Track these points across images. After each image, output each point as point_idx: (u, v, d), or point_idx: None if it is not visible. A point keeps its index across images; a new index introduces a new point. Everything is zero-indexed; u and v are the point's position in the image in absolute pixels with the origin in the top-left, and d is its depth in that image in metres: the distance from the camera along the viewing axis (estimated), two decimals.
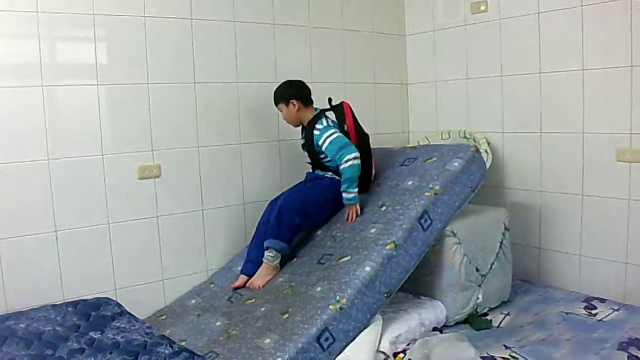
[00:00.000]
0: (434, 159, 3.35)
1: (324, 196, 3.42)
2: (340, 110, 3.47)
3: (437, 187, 3.13)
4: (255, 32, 3.77)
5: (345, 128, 3.42)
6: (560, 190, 3.69)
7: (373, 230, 3.05)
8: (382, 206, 3.20)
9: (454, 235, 3.18)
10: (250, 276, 3.34)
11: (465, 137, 4.09)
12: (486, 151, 3.80)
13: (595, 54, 3.43)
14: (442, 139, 4.21)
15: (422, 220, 3.03)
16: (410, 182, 3.26)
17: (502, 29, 3.88)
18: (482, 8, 3.98)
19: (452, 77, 4.26)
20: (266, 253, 3.28)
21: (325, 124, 3.38)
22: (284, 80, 3.52)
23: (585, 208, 3.59)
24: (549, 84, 3.67)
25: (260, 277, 3.27)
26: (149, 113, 3.38)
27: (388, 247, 2.90)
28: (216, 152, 3.65)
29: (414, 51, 4.54)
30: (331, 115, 3.47)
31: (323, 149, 3.34)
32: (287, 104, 3.43)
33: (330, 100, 3.50)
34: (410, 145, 4.33)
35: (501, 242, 3.42)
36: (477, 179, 3.30)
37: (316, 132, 3.37)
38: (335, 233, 3.27)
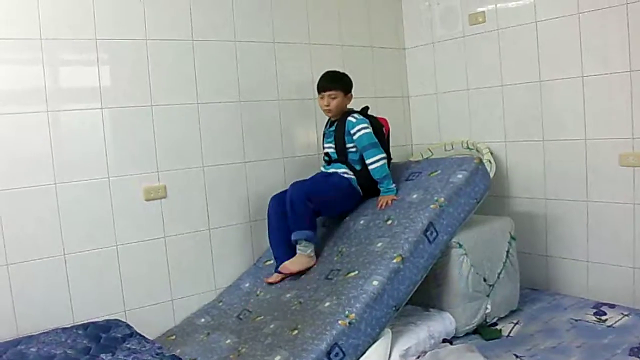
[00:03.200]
0: (438, 172, 3.36)
1: (332, 185, 3.46)
2: (376, 120, 3.56)
3: (442, 199, 3.14)
4: (256, 51, 3.80)
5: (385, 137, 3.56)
6: (565, 197, 3.70)
7: (379, 244, 3.06)
8: (387, 220, 3.21)
9: (460, 246, 3.18)
10: (283, 274, 3.36)
11: (468, 147, 4.10)
12: (489, 161, 3.81)
13: (594, 60, 3.45)
14: (445, 150, 4.23)
15: (428, 233, 3.03)
16: (415, 196, 3.27)
17: (501, 39, 3.91)
18: (480, 19, 4.01)
19: (452, 89, 4.29)
20: (298, 246, 3.31)
21: (360, 117, 3.47)
22: (332, 70, 3.57)
23: (590, 214, 3.59)
24: (550, 91, 3.69)
25: (295, 264, 3.29)
26: (153, 134, 3.41)
27: (395, 260, 2.90)
28: (221, 171, 3.66)
29: (414, 64, 4.57)
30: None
31: (354, 137, 3.41)
32: (346, 93, 3.50)
33: (367, 108, 3.59)
34: (413, 158, 4.35)
35: (508, 251, 3.42)
36: (482, 190, 3.31)
37: (352, 120, 3.44)
38: (342, 248, 3.28)
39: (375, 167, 3.38)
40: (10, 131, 2.99)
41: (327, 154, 3.60)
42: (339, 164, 3.52)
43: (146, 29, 3.37)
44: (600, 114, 3.47)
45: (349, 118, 3.46)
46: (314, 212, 3.36)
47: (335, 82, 3.49)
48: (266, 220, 3.53)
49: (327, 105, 3.48)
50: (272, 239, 3.50)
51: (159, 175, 3.44)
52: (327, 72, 3.56)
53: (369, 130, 3.42)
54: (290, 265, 3.30)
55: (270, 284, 3.41)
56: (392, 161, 3.58)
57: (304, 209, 3.31)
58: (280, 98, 3.85)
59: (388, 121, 3.70)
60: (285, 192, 3.44)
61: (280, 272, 3.36)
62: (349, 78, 3.55)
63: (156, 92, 3.42)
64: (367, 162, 3.39)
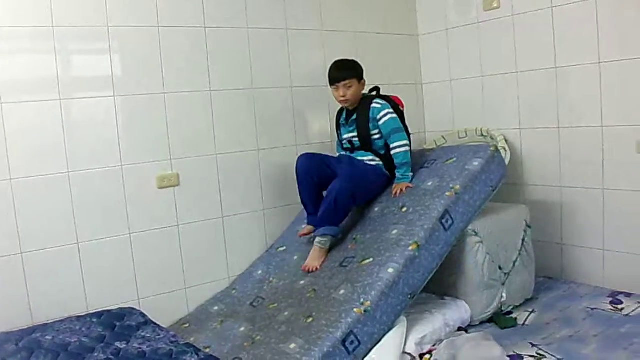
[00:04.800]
0: (454, 159, 3.33)
1: (370, 181, 3.44)
2: (389, 99, 3.52)
3: (458, 186, 3.11)
4: (269, 38, 3.78)
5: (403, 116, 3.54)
6: (581, 185, 3.66)
7: (395, 232, 3.04)
8: (402, 207, 3.18)
9: (476, 234, 3.16)
10: (315, 225, 3.37)
11: (482, 135, 4.07)
12: (504, 148, 3.78)
13: (611, 46, 3.39)
14: (459, 137, 4.19)
15: (444, 220, 3.01)
16: (430, 183, 3.24)
17: (516, 25, 3.86)
18: (495, 5, 3.96)
19: (467, 76, 4.25)
20: (320, 239, 3.29)
21: (384, 102, 3.44)
22: (341, 59, 3.48)
23: (606, 202, 3.55)
24: (565, 78, 3.64)
25: (316, 259, 3.27)
26: (166, 122, 3.40)
27: (410, 248, 2.88)
28: (234, 159, 3.66)
29: (428, 51, 4.53)
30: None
31: (380, 122, 3.39)
32: (360, 81, 3.44)
33: (378, 89, 3.56)
34: (427, 145, 4.32)
35: (523, 240, 3.39)
36: (498, 178, 3.28)
37: (376, 106, 3.41)
38: (357, 235, 3.26)
39: (400, 152, 3.36)
40: (23, 120, 2.99)
41: (349, 142, 3.55)
42: (363, 152, 3.50)
43: (158, 16, 3.35)
44: (617, 101, 3.42)
45: (373, 105, 3.42)
46: (350, 209, 3.37)
47: (348, 71, 3.41)
48: (295, 178, 3.50)
49: (344, 96, 3.41)
50: (303, 196, 3.50)
51: (172, 163, 3.43)
52: (338, 62, 3.48)
53: (395, 114, 3.40)
54: (313, 262, 3.27)
55: (304, 235, 3.48)
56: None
57: (346, 207, 3.31)
58: (293, 85, 3.82)
59: (400, 99, 3.65)
60: (315, 156, 3.49)
61: (312, 233, 3.42)
62: (360, 64, 3.49)
63: (168, 79, 3.40)
64: (392, 146, 3.37)
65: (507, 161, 3.64)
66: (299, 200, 3.53)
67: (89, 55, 3.23)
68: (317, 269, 3.24)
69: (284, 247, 3.60)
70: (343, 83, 3.39)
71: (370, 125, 3.42)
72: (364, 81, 3.47)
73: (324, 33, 4.01)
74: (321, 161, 3.48)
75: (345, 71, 3.41)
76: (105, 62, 3.22)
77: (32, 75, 3.03)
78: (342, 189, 3.25)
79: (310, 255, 3.31)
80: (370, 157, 3.48)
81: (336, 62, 3.48)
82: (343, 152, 3.63)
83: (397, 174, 3.40)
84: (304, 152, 3.55)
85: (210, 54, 3.54)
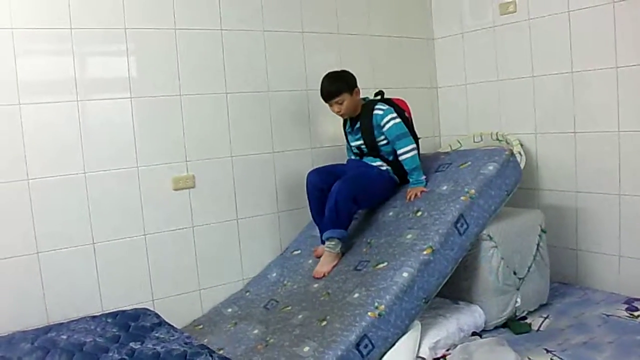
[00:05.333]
0: (468, 163, 3.33)
1: (374, 184, 3.43)
2: (393, 103, 3.51)
3: (473, 191, 3.11)
4: (284, 41, 3.79)
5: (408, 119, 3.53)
6: (596, 190, 3.64)
7: (409, 236, 3.04)
8: (417, 211, 3.18)
9: (491, 239, 3.15)
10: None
11: (497, 139, 4.05)
12: (519, 153, 3.76)
13: (629, 50, 3.37)
14: (474, 142, 4.18)
15: (459, 225, 3.00)
16: (445, 187, 3.24)
17: (532, 29, 3.85)
18: (511, 9, 3.95)
19: (482, 80, 4.24)
20: (327, 243, 3.28)
21: (386, 107, 3.42)
22: (328, 74, 3.45)
23: (622, 207, 3.52)
24: (582, 83, 3.62)
25: (325, 265, 3.27)
26: (182, 124, 3.42)
27: (425, 252, 2.88)
28: (249, 162, 3.67)
29: (443, 54, 4.53)
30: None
31: (384, 129, 3.38)
32: (351, 93, 3.41)
33: (382, 93, 3.55)
34: (442, 149, 4.32)
35: (538, 245, 3.38)
36: (513, 182, 3.27)
37: (379, 112, 3.40)
38: (371, 240, 3.26)
39: (407, 158, 3.35)
40: (41, 121, 3.02)
41: (358, 148, 3.55)
42: (372, 157, 3.50)
43: (175, 18, 3.37)
44: (634, 106, 3.39)
45: (375, 111, 3.41)
46: (354, 212, 3.36)
47: (336, 86, 3.38)
48: (306, 196, 3.50)
49: (339, 111, 3.43)
50: (314, 213, 3.50)
51: (188, 165, 3.44)
52: (325, 78, 3.43)
53: (398, 119, 3.38)
54: (322, 267, 3.28)
55: (318, 257, 3.41)
56: (421, 153, 3.52)
57: (348, 210, 3.30)
58: (308, 88, 3.82)
59: (406, 102, 3.65)
60: (324, 172, 3.47)
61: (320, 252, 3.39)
62: (348, 72, 3.45)
63: (185, 82, 3.42)
64: (399, 152, 3.37)
65: (522, 166, 3.63)
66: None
67: (106, 57, 3.25)
68: (325, 274, 3.24)
69: (299, 251, 3.61)
70: (334, 100, 3.39)
71: (375, 132, 3.42)
72: (357, 89, 3.44)
73: (339, 36, 4.01)
74: (329, 172, 3.49)
75: (333, 88, 3.38)
76: (122, 64, 3.25)
77: (50, 76, 3.05)
78: (340, 191, 3.25)
79: (320, 261, 3.32)
80: (379, 163, 3.48)
81: (324, 78, 3.44)
82: (353, 157, 3.63)
83: (410, 179, 3.40)
84: (313, 168, 3.56)
85: (226, 56, 3.56)
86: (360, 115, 3.47)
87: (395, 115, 3.40)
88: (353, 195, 3.29)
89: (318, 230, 3.50)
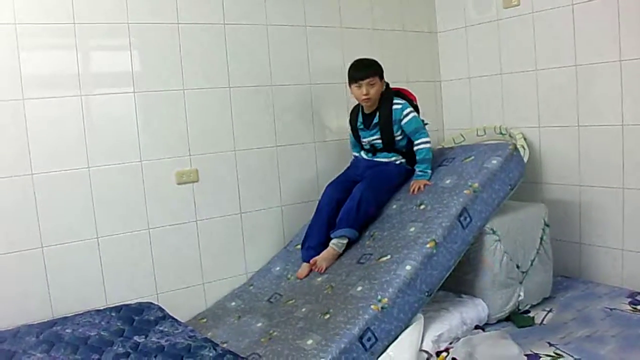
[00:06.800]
0: (472, 157, 3.33)
1: (394, 186, 3.47)
2: (403, 95, 3.54)
3: (476, 184, 3.11)
4: (287, 35, 3.78)
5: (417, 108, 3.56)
6: (600, 184, 3.63)
7: (412, 229, 3.04)
8: (420, 205, 3.18)
9: (494, 232, 3.14)
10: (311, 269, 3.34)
11: (501, 133, 4.05)
12: (523, 147, 3.75)
13: (633, 44, 3.36)
14: (477, 135, 4.18)
15: (462, 218, 3.00)
16: (448, 181, 3.24)
17: (536, 22, 3.83)
18: (514, 2, 3.93)
19: (485, 73, 4.23)
20: (338, 240, 3.27)
21: (402, 101, 3.44)
22: (361, 58, 3.46)
23: (626, 201, 3.52)
24: (586, 76, 3.61)
25: (327, 260, 3.25)
26: (185, 119, 3.42)
27: (428, 245, 2.88)
28: (253, 156, 3.67)
29: (446, 48, 4.52)
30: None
31: (403, 122, 3.40)
32: (381, 79, 3.43)
33: (387, 84, 3.53)
34: (445, 143, 4.31)
35: (541, 238, 3.37)
36: (516, 176, 3.27)
37: (397, 107, 3.42)
38: (374, 232, 3.26)
39: (423, 148, 3.38)
40: (44, 115, 3.02)
41: (371, 145, 3.55)
42: (385, 153, 3.51)
43: (178, 13, 3.37)
44: (638, 100, 3.38)
45: (394, 106, 3.42)
46: (371, 217, 3.36)
47: (371, 68, 3.40)
48: (316, 206, 3.50)
49: (367, 94, 3.38)
50: (314, 228, 3.45)
51: (191, 159, 3.45)
52: (360, 60, 3.46)
53: (414, 113, 3.42)
54: (323, 262, 3.26)
55: (304, 276, 3.35)
56: None
57: (367, 212, 3.32)
58: (311, 82, 3.83)
59: (410, 91, 3.67)
60: (342, 181, 3.50)
61: (309, 263, 3.33)
62: (380, 64, 3.48)
63: (188, 76, 3.42)
64: (416, 142, 3.39)
65: (525, 159, 3.61)
66: (317, 197, 3.56)
67: (109, 52, 3.25)
68: (322, 270, 3.23)
69: None
70: (367, 81, 3.36)
71: (394, 127, 3.43)
72: (384, 81, 3.47)
73: (342, 30, 4.01)
74: (344, 181, 3.52)
75: (368, 69, 3.39)
76: (125, 58, 3.25)
77: (53, 71, 3.05)
78: (366, 192, 3.30)
79: (322, 253, 3.30)
80: (395, 157, 3.49)
81: (357, 60, 3.46)
82: (362, 153, 3.63)
83: (417, 170, 3.40)
84: (330, 182, 3.56)
85: (230, 50, 3.56)
86: (379, 110, 3.46)
87: (411, 108, 3.43)
88: (377, 199, 3.34)
89: (306, 246, 3.44)
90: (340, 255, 3.29)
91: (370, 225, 3.35)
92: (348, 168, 3.66)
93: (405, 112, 3.40)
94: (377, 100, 3.45)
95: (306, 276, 3.32)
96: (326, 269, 3.24)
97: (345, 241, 3.28)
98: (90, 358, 2.54)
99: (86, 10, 3.09)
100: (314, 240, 3.40)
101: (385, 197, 3.43)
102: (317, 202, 3.53)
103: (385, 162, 3.51)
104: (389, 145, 3.48)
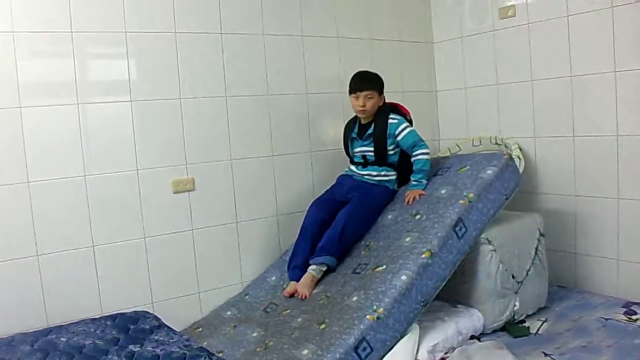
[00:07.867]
0: (467, 167, 3.34)
1: (380, 209, 3.47)
2: (399, 110, 3.58)
3: (472, 194, 3.12)
4: (284, 44, 3.79)
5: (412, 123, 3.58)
6: (595, 194, 3.64)
7: (408, 239, 3.04)
8: (416, 215, 3.19)
9: (489, 242, 3.15)
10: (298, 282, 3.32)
11: (496, 143, 4.06)
12: (518, 157, 3.77)
13: (627, 54, 3.38)
14: (473, 145, 4.19)
15: (457, 229, 3.01)
16: (444, 191, 3.25)
17: (531, 33, 3.86)
18: (510, 13, 3.96)
19: (481, 83, 4.24)
20: (317, 267, 3.26)
21: (398, 116, 3.47)
22: (363, 70, 3.53)
23: (621, 211, 3.53)
24: (581, 87, 3.63)
25: (307, 287, 3.23)
26: (182, 127, 3.42)
27: (423, 255, 2.89)
28: (249, 165, 3.67)
29: (443, 58, 4.53)
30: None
31: (399, 137, 3.42)
32: (380, 94, 3.47)
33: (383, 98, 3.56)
34: (441, 153, 4.32)
35: (536, 248, 3.38)
36: (512, 186, 3.28)
37: (393, 121, 3.44)
38: (370, 242, 3.27)
39: (421, 159, 3.39)
40: (41, 123, 3.02)
41: (363, 156, 3.56)
42: (376, 167, 3.52)
43: (175, 22, 3.38)
44: (633, 110, 3.40)
45: (390, 120, 3.44)
46: (354, 243, 3.36)
47: (371, 82, 3.45)
48: (301, 224, 3.49)
49: (363, 106, 3.42)
50: (300, 247, 3.43)
51: (187, 168, 3.45)
52: (361, 72, 3.51)
53: (411, 127, 3.45)
54: (304, 289, 3.23)
55: (290, 296, 3.31)
56: None
57: (350, 241, 3.33)
58: (308, 92, 3.84)
59: (404, 106, 3.70)
60: (327, 200, 3.50)
61: (295, 287, 3.30)
62: (382, 79, 3.51)
63: (184, 85, 3.43)
64: (414, 153, 3.40)
65: (521, 170, 3.63)
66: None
67: (106, 60, 3.26)
68: (306, 296, 3.20)
69: None
70: (365, 93, 3.41)
71: (388, 140, 3.44)
72: (384, 96, 3.50)
73: (339, 40, 4.02)
74: (329, 200, 3.52)
75: (368, 83, 3.44)
76: (122, 67, 3.25)
77: (51, 79, 3.06)
78: (350, 220, 3.30)
79: (302, 280, 3.27)
80: (384, 172, 3.50)
81: (360, 72, 3.52)
82: (351, 167, 3.62)
83: (412, 180, 3.40)
84: (315, 200, 3.57)
85: (227, 59, 3.57)
86: (375, 122, 3.49)
87: (407, 124, 3.47)
88: (362, 225, 3.35)
89: (292, 265, 3.42)
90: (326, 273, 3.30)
91: (366, 235, 3.36)
92: (333, 186, 3.65)
93: (401, 127, 3.42)
94: (373, 113, 3.48)
95: (292, 296, 3.29)
96: (310, 294, 3.21)
97: (324, 268, 3.27)
98: None
99: (83, 18, 3.10)
100: (299, 260, 3.39)
101: (370, 223, 3.41)
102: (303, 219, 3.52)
103: (370, 185, 3.51)
104: (381, 158, 3.49)
